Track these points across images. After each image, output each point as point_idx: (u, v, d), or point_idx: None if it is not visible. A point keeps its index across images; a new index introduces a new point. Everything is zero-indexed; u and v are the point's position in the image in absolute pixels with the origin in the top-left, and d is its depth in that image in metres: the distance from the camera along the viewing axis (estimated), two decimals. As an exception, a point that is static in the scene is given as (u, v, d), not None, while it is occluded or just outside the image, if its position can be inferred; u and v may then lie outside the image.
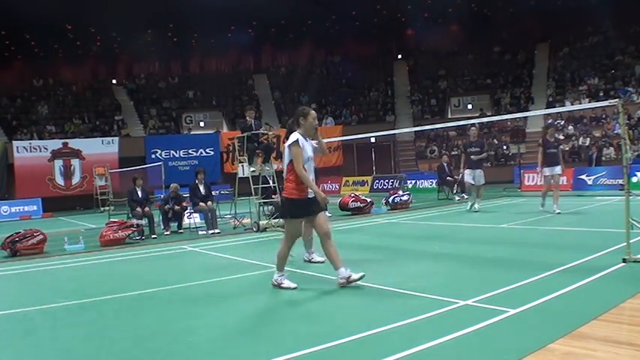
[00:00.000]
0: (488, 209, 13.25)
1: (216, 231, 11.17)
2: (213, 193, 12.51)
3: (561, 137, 23.51)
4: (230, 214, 12.82)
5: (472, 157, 12.41)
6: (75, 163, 23.96)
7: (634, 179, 14.96)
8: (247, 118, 11.83)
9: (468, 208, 12.64)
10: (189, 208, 12.14)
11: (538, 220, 10.17)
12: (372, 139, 27.03)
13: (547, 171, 11.13)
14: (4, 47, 28.06)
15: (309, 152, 5.48)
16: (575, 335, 3.53)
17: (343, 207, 13.66)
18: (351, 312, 4.53)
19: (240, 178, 12.03)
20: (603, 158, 19.83)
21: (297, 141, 5.33)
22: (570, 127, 23.83)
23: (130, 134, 26.90)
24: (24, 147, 23.23)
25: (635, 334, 3.54)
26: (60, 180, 23.71)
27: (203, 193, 11.70)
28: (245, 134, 11.53)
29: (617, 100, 6.14)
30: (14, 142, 23.58)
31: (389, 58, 33.58)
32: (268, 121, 23.11)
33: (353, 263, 6.95)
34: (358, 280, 5.33)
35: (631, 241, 5.67)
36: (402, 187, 19.56)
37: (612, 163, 18.99)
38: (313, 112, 5.58)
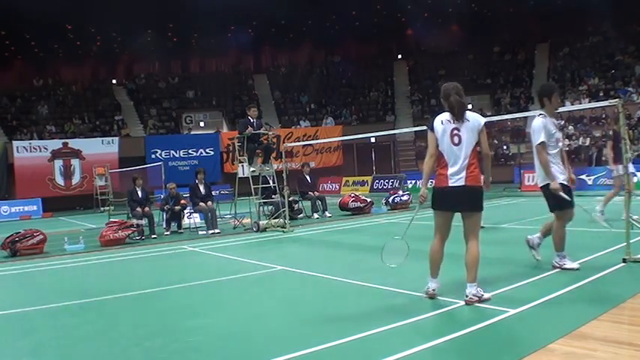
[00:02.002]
0: (487, 209, 13.24)
1: (216, 231, 11.17)
2: (213, 193, 12.51)
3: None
4: (230, 214, 12.83)
5: None
6: (75, 163, 23.93)
7: (634, 179, 14.94)
8: (249, 117, 11.83)
9: None
10: (188, 207, 12.13)
11: (538, 220, 10.14)
12: (372, 139, 27.01)
13: (622, 169, 9.16)
14: (4, 47, 28.04)
15: (558, 134, 5.25)
16: (575, 335, 3.53)
17: (343, 207, 13.66)
18: (351, 312, 4.53)
19: (240, 178, 12.03)
20: (603, 158, 19.80)
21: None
22: (570, 127, 23.83)
23: (130, 134, 26.88)
24: (24, 147, 23.21)
25: (635, 334, 3.54)
26: (60, 180, 23.69)
27: (203, 193, 11.70)
28: (244, 134, 11.52)
29: (617, 100, 6.14)
30: (14, 142, 23.55)
31: (389, 58, 33.57)
32: (268, 121, 23.13)
33: (353, 263, 6.97)
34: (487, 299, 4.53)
35: (631, 241, 5.66)
36: (402, 187, 19.56)
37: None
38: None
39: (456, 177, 4.55)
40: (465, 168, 4.52)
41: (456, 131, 4.51)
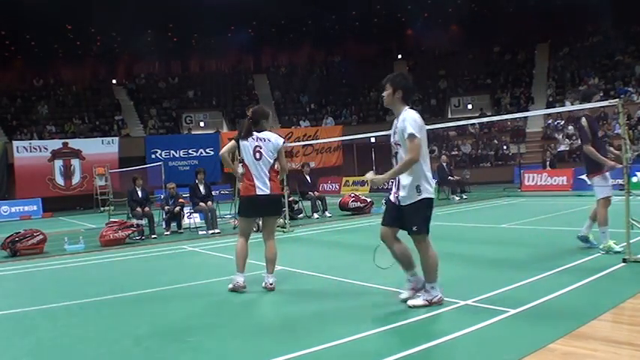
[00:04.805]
0: (488, 209, 13.25)
1: (216, 231, 11.16)
2: (213, 193, 12.50)
3: (560, 137, 23.58)
4: (230, 214, 12.82)
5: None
6: (75, 163, 23.93)
7: (634, 179, 14.93)
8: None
9: (617, 248, 6.10)
10: (188, 207, 12.13)
11: (538, 220, 10.17)
12: (372, 139, 26.98)
13: None
14: (4, 47, 28.06)
15: None
16: (575, 335, 3.53)
17: (343, 207, 13.66)
18: (351, 312, 4.53)
19: (240, 178, 12.00)
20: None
21: None
22: (570, 127, 23.81)
23: (130, 134, 26.89)
24: (24, 147, 23.21)
25: (635, 334, 3.54)
26: (60, 180, 23.69)
27: (203, 193, 11.70)
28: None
29: (617, 100, 6.13)
30: (14, 142, 23.56)
31: (389, 58, 33.58)
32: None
33: (353, 263, 6.97)
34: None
35: (631, 241, 5.67)
36: (402, 187, 19.52)
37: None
38: None
39: (263, 187, 5.37)
40: (268, 179, 5.38)
41: (258, 148, 5.38)
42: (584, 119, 6.44)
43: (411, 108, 4.43)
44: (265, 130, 5.54)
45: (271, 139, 5.47)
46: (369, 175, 4.47)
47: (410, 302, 4.45)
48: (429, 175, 4.39)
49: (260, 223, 10.90)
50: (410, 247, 4.54)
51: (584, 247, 6.55)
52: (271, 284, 5.43)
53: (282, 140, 5.57)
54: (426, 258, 4.43)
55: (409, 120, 4.27)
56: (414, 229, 4.36)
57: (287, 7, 25.81)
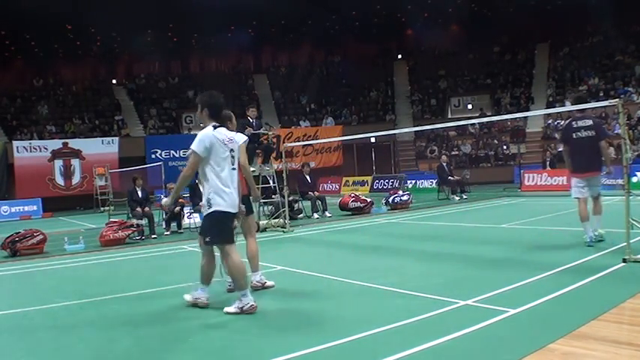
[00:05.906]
0: (488, 209, 13.25)
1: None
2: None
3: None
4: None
5: (580, 145, 6.94)
6: (75, 163, 23.92)
7: (634, 179, 14.95)
8: (249, 117, 11.82)
9: (588, 239, 6.79)
10: (188, 207, 12.12)
11: (538, 220, 10.17)
12: (372, 139, 27.02)
13: None
14: (4, 47, 28.05)
15: None
16: (575, 335, 3.53)
17: (343, 207, 13.66)
18: (351, 312, 4.53)
19: (240, 178, 11.99)
20: (603, 158, 19.80)
21: None
22: (570, 127, 23.82)
23: (130, 134, 26.89)
24: (24, 147, 23.19)
25: (635, 334, 3.54)
26: (60, 180, 23.68)
27: (203, 193, 11.68)
28: (244, 134, 11.48)
29: (617, 100, 6.13)
30: (14, 142, 23.54)
31: (389, 58, 33.58)
32: (268, 121, 23.13)
33: (352, 263, 6.98)
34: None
35: (631, 241, 5.67)
36: (402, 187, 19.56)
37: (612, 163, 18.95)
38: None
39: None
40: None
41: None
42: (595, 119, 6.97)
43: (220, 126, 4.71)
44: (231, 131, 5.55)
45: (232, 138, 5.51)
46: (163, 202, 4.69)
47: (225, 309, 4.67)
48: (224, 188, 4.59)
49: (261, 223, 11.04)
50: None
51: (599, 243, 6.84)
52: (258, 281, 5.53)
53: (245, 139, 5.55)
54: (228, 267, 4.72)
55: (198, 137, 4.59)
56: (207, 239, 4.71)
57: (287, 7, 25.80)
